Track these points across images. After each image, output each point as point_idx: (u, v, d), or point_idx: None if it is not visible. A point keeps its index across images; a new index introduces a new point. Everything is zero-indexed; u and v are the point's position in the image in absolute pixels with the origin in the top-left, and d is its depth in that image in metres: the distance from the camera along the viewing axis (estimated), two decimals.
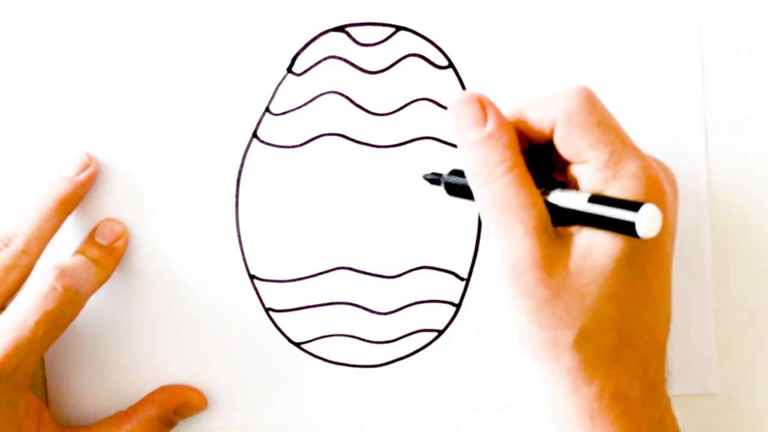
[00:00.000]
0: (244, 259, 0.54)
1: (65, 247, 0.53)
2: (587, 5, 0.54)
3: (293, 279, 0.55)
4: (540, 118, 0.45)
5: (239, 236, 0.54)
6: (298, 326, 0.55)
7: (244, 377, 0.55)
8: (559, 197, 0.44)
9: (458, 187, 0.49)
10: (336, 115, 0.54)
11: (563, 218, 0.44)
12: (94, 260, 0.52)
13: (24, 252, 0.50)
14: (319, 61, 0.54)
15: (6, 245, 0.50)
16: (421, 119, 0.54)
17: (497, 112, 0.46)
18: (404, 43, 0.54)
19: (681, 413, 0.54)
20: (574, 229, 0.44)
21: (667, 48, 0.54)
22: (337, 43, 0.54)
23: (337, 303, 0.55)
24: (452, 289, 0.55)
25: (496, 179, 0.45)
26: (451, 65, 0.54)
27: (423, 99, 0.54)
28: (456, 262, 0.55)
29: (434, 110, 0.54)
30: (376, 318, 0.55)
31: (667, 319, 0.46)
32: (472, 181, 0.46)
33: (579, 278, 0.43)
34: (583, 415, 0.45)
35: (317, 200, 0.54)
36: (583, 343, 0.44)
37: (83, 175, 0.53)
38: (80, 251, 0.52)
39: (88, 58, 0.53)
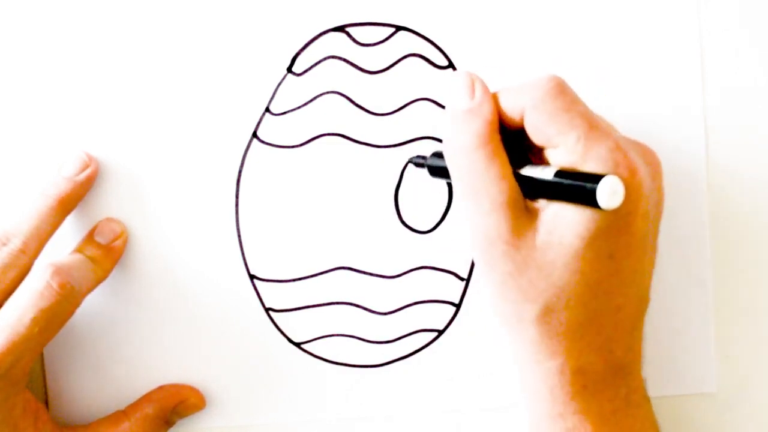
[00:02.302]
0: (244, 259, 0.54)
1: (64, 246, 0.53)
2: (587, 5, 0.54)
3: (293, 279, 0.55)
4: (511, 107, 0.46)
5: (239, 236, 0.54)
6: (298, 326, 0.55)
7: (243, 377, 0.55)
8: (529, 170, 0.45)
9: (439, 169, 0.50)
10: (336, 115, 0.54)
11: (533, 192, 0.45)
12: (92, 259, 0.52)
13: (22, 251, 0.50)
14: (319, 61, 0.54)
15: (4, 244, 0.50)
16: (421, 119, 0.54)
17: (485, 89, 0.47)
18: (404, 43, 0.54)
19: (681, 413, 0.54)
20: (542, 204, 0.45)
21: (667, 48, 0.54)
22: (337, 43, 0.54)
23: (337, 303, 0.55)
24: (452, 289, 0.55)
25: (471, 151, 0.46)
26: (451, 65, 0.54)
27: (423, 99, 0.54)
28: (456, 262, 0.55)
29: (434, 110, 0.54)
30: (376, 318, 0.55)
31: (640, 300, 0.47)
32: (447, 152, 0.47)
33: (545, 254, 0.44)
34: (543, 387, 0.46)
35: (317, 200, 0.54)
36: (546, 317, 0.45)
37: (83, 175, 0.53)
38: (78, 250, 0.53)
39: (88, 58, 0.53)
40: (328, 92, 0.54)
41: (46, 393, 0.54)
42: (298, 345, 0.55)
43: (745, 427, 0.56)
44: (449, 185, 0.54)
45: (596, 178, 0.42)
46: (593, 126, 0.45)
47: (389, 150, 0.54)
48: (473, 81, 0.48)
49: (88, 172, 0.53)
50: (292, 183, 0.54)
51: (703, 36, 0.54)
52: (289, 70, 0.54)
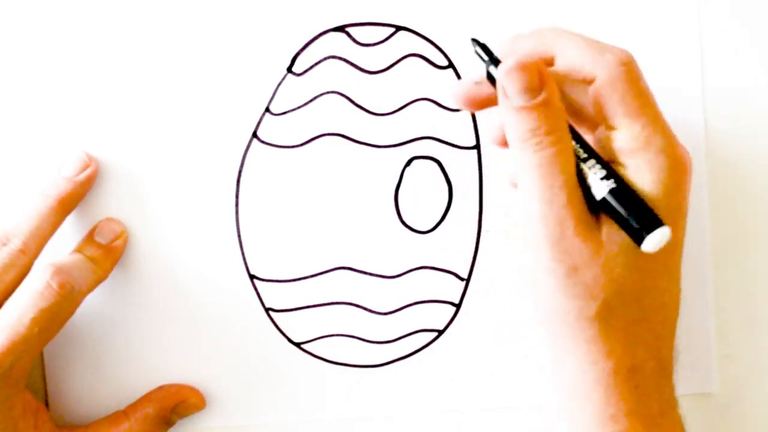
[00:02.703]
0: (244, 259, 0.54)
1: (64, 246, 0.53)
2: (587, 5, 0.54)
3: (293, 279, 0.55)
4: (577, 66, 0.45)
5: (239, 236, 0.54)
6: (298, 326, 0.55)
7: (243, 377, 0.55)
8: (587, 175, 0.45)
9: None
10: (336, 115, 0.54)
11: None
12: (92, 259, 0.52)
13: (22, 251, 0.50)
14: (319, 61, 0.54)
15: (4, 244, 0.50)
16: (421, 119, 0.54)
17: (553, 81, 0.45)
18: (404, 43, 0.54)
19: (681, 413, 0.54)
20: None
21: (667, 48, 0.54)
22: (337, 43, 0.54)
23: (337, 303, 0.55)
24: (452, 289, 0.55)
25: (546, 147, 0.44)
26: (451, 65, 0.54)
27: (423, 99, 0.54)
28: (456, 262, 0.55)
29: (434, 110, 0.54)
30: (376, 318, 0.55)
31: (678, 298, 0.47)
32: (517, 145, 0.45)
33: (608, 248, 0.44)
34: (597, 388, 0.45)
35: (317, 200, 0.54)
36: (605, 314, 0.44)
37: (83, 175, 0.53)
38: (78, 250, 0.53)
39: (88, 58, 0.53)
40: (328, 92, 0.54)
41: (46, 393, 0.54)
42: (298, 345, 0.55)
43: (745, 427, 0.56)
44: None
45: (649, 218, 0.43)
46: (658, 116, 0.45)
47: (389, 150, 0.54)
48: (542, 72, 0.45)
49: (88, 172, 0.53)
50: (292, 183, 0.54)
51: (703, 36, 0.54)
52: (289, 70, 0.54)
